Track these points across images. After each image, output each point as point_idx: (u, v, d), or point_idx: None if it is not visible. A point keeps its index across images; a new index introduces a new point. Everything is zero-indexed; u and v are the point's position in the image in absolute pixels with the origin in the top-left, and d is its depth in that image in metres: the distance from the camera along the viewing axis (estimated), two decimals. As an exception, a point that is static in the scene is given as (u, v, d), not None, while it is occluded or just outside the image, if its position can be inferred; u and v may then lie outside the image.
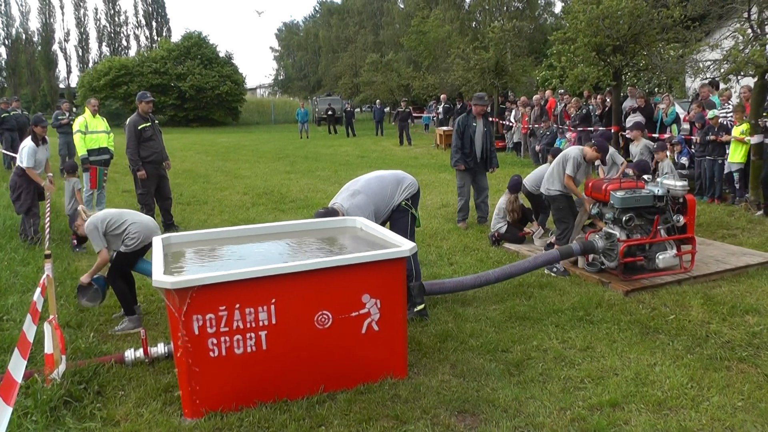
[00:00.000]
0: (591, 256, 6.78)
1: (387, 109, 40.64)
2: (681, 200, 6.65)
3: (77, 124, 10.50)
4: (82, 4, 74.62)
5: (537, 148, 16.65)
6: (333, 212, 5.46)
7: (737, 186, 10.23)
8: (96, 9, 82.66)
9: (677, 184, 6.55)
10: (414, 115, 40.07)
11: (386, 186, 5.69)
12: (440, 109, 25.25)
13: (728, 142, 10.14)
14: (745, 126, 9.85)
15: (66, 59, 77.54)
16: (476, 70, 21.55)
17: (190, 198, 12.98)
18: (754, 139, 9.55)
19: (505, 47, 21.44)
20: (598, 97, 13.85)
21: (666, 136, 12.27)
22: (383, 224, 5.84)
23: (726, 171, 10.34)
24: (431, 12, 38.90)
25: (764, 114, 9.72)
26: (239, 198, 12.92)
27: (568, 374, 4.48)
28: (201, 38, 44.75)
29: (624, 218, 6.40)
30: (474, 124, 9.32)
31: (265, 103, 53.33)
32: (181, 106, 42.25)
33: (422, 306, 5.63)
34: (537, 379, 4.41)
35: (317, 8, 74.64)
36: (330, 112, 33.07)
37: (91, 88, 40.95)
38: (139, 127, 9.13)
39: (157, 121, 9.68)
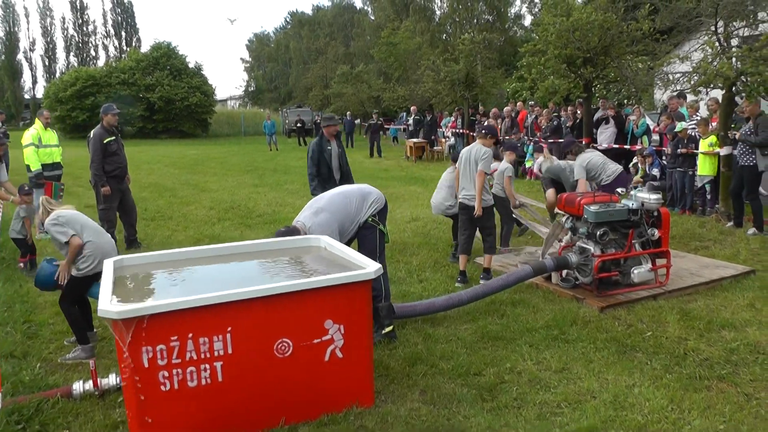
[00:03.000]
0: (565, 271, 6.62)
1: (357, 121, 40.58)
2: (655, 213, 6.54)
3: (29, 136, 10.07)
4: (48, 12, 73.90)
5: (508, 159, 16.58)
6: (294, 231, 5.22)
7: (708, 197, 10.21)
8: (63, 18, 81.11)
9: (651, 198, 6.43)
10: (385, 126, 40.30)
11: (351, 202, 5.46)
12: (410, 121, 25.16)
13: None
14: (712, 138, 9.84)
15: (31, 69, 75.94)
16: (446, 82, 21.48)
17: (155, 213, 12.60)
18: (723, 151, 9.53)
19: (476, 59, 21.40)
20: (569, 108, 13.82)
21: (637, 147, 12.26)
22: (350, 242, 5.63)
23: (698, 185, 10.32)
24: (401, 24, 38.89)
25: (732, 126, 9.72)
26: (205, 213, 12.58)
27: (544, 398, 4.28)
28: (170, 49, 44.12)
29: (598, 233, 6.26)
30: (329, 147, 8.82)
31: (235, 115, 52.75)
32: (149, 117, 41.55)
33: (390, 328, 5.40)
34: (511, 405, 4.20)
35: (288, 19, 74.63)
36: (299, 124, 32.80)
37: (57, 99, 40.11)
38: (105, 141, 8.70)
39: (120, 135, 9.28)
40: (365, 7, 60.64)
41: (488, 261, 7.22)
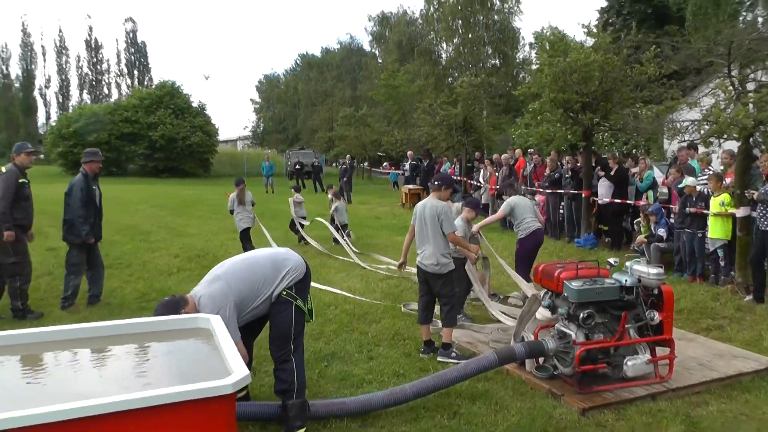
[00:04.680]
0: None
1: (365, 164, 39.78)
2: (656, 292, 5.28)
3: None
4: (64, 51, 74.18)
5: (504, 210, 15.39)
6: (177, 305, 4.04)
7: (722, 264, 8.89)
8: (78, 56, 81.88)
9: (651, 272, 5.19)
10: (376, 170, 39.35)
11: (258, 271, 4.29)
12: (407, 166, 24.11)
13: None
14: (725, 197, 8.57)
15: (46, 105, 76.18)
16: (443, 126, 20.43)
17: (114, 260, 11.47)
18: (740, 213, 8.24)
19: (474, 103, 20.36)
20: (567, 158, 12.65)
21: (642, 203, 10.99)
22: (260, 321, 4.45)
23: (709, 249, 9.03)
24: (401, 66, 38.21)
25: (750, 183, 8.47)
26: (167, 261, 11.47)
27: None
28: (174, 88, 43.64)
29: (581, 315, 5.00)
30: (94, 187, 7.88)
31: (238, 155, 52.05)
32: (151, 155, 40.81)
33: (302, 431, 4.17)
34: None
35: (298, 61, 74.64)
36: (298, 166, 31.84)
37: (60, 135, 39.60)
38: (20, 181, 7.42)
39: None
40: (373, 50, 60.53)
41: (447, 335, 6.01)
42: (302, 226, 13.77)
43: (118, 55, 77.04)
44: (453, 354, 5.92)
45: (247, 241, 11.75)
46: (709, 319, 7.40)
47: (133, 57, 76.96)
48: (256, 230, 12.69)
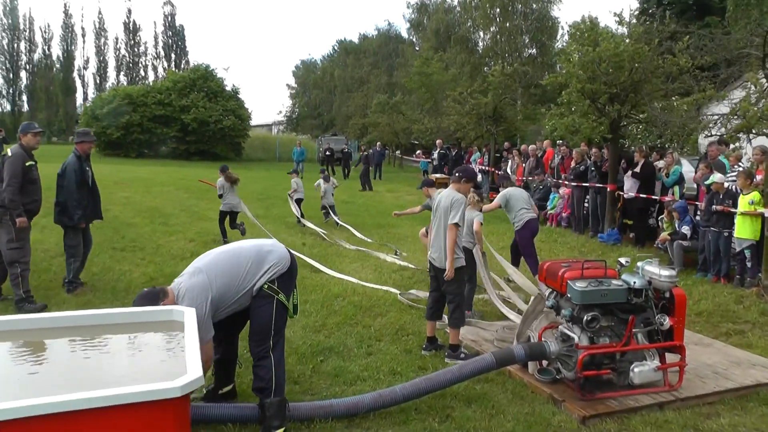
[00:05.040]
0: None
1: (397, 153, 39.47)
2: (667, 295, 4.98)
3: None
4: (103, 33, 75.15)
5: (529, 202, 15.05)
6: (156, 296, 3.93)
7: (749, 264, 8.47)
8: (117, 38, 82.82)
9: (662, 274, 4.89)
10: (408, 158, 39.00)
11: (241, 263, 4.13)
12: (435, 155, 23.79)
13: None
14: (754, 195, 8.14)
15: (83, 86, 77.27)
16: (472, 115, 20.04)
17: (129, 243, 11.49)
18: (769, 213, 7.85)
19: (505, 92, 19.91)
20: (593, 151, 12.21)
21: (667, 198, 10.54)
22: (241, 314, 4.29)
23: (736, 249, 8.61)
24: (436, 54, 37.66)
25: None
26: (182, 245, 11.42)
27: None
28: (208, 71, 43.83)
29: (585, 317, 4.73)
30: (86, 167, 7.73)
31: (270, 140, 52.16)
32: (183, 138, 41.11)
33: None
34: None
35: (335, 47, 74.41)
36: (328, 153, 31.67)
37: (94, 115, 40.10)
38: (26, 164, 7.08)
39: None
40: (410, 37, 59.93)
41: (454, 336, 5.79)
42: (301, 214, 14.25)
43: (156, 38, 77.38)
44: (462, 355, 5.70)
45: (223, 224, 11.98)
46: (730, 323, 7.04)
47: (170, 40, 77.52)
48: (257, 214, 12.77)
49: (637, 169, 11.14)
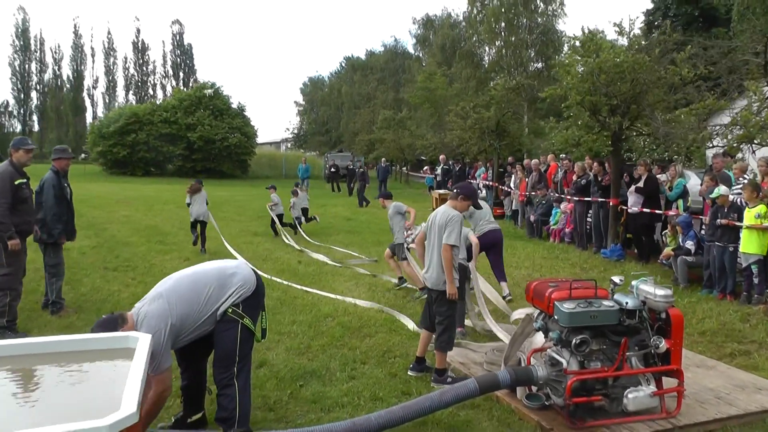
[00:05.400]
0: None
1: (404, 169, 39.28)
2: (663, 316, 4.69)
3: None
4: (112, 52, 75.96)
5: (532, 218, 14.77)
6: (114, 323, 3.70)
7: (756, 281, 8.14)
8: (126, 58, 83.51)
9: (657, 294, 4.61)
10: (414, 174, 38.80)
11: (202, 288, 3.90)
12: (438, 171, 23.55)
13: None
14: (761, 208, 7.83)
15: (93, 106, 77.94)
16: (474, 130, 19.81)
17: (122, 262, 11.34)
18: (776, 226, 7.53)
19: (508, 106, 19.67)
20: (595, 164, 11.90)
21: (671, 213, 10.21)
22: (205, 340, 4.04)
23: (742, 264, 8.29)
24: (440, 69, 37.54)
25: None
26: (176, 265, 11.16)
27: None
28: (214, 89, 44.02)
29: (574, 341, 4.45)
30: (65, 184, 7.60)
31: (277, 157, 52.21)
32: (189, 156, 41.16)
33: (244, 464, 3.76)
34: None
35: (343, 64, 74.63)
36: (333, 169, 31.55)
37: (101, 134, 40.27)
38: (16, 182, 6.69)
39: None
40: (417, 53, 60.00)
41: (440, 360, 5.49)
42: (283, 224, 15.09)
43: (164, 57, 78.11)
44: (449, 380, 5.40)
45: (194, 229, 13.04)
46: (735, 343, 6.70)
47: (179, 59, 78.23)
48: (244, 229, 12.70)
49: (641, 184, 10.82)
